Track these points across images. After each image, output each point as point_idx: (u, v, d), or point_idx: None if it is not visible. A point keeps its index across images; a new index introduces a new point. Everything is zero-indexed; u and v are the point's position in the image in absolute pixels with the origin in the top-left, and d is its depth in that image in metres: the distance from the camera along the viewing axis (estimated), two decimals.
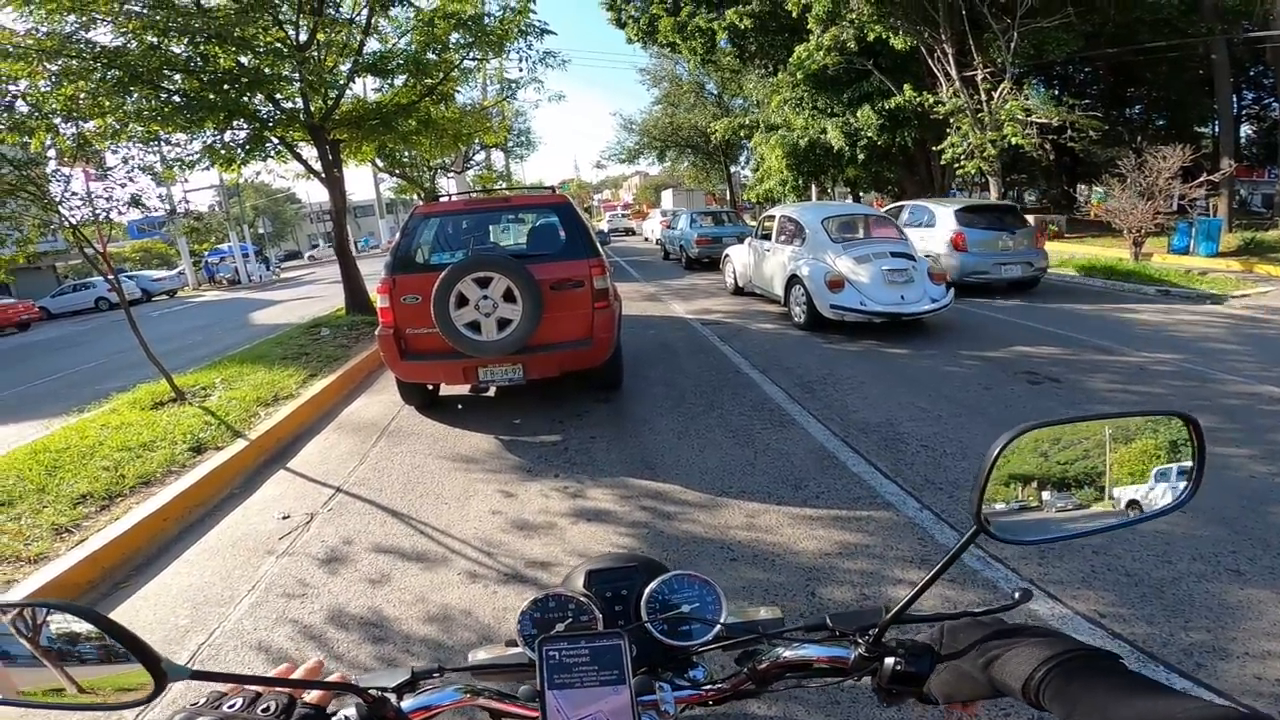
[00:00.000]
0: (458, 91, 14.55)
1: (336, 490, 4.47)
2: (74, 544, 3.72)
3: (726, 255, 12.13)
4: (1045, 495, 0.69)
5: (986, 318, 8.72)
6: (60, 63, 7.01)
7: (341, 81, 10.51)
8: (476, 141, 20.06)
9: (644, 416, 5.46)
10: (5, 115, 6.12)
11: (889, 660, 0.69)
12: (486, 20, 10.99)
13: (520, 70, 12.50)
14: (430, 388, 5.88)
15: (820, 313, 7.81)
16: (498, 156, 29.74)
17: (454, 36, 11.08)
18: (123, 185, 6.53)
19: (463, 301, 4.87)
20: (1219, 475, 3.74)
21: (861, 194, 30.70)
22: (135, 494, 4.33)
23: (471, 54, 11.59)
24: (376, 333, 5.42)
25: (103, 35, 7.88)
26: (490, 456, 4.93)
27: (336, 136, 11.12)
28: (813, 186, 26.52)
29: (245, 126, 9.85)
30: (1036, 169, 24.04)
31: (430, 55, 10.96)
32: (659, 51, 32.47)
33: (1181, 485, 0.70)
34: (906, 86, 17.13)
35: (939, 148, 16.87)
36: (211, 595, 3.31)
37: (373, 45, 11.13)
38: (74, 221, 5.92)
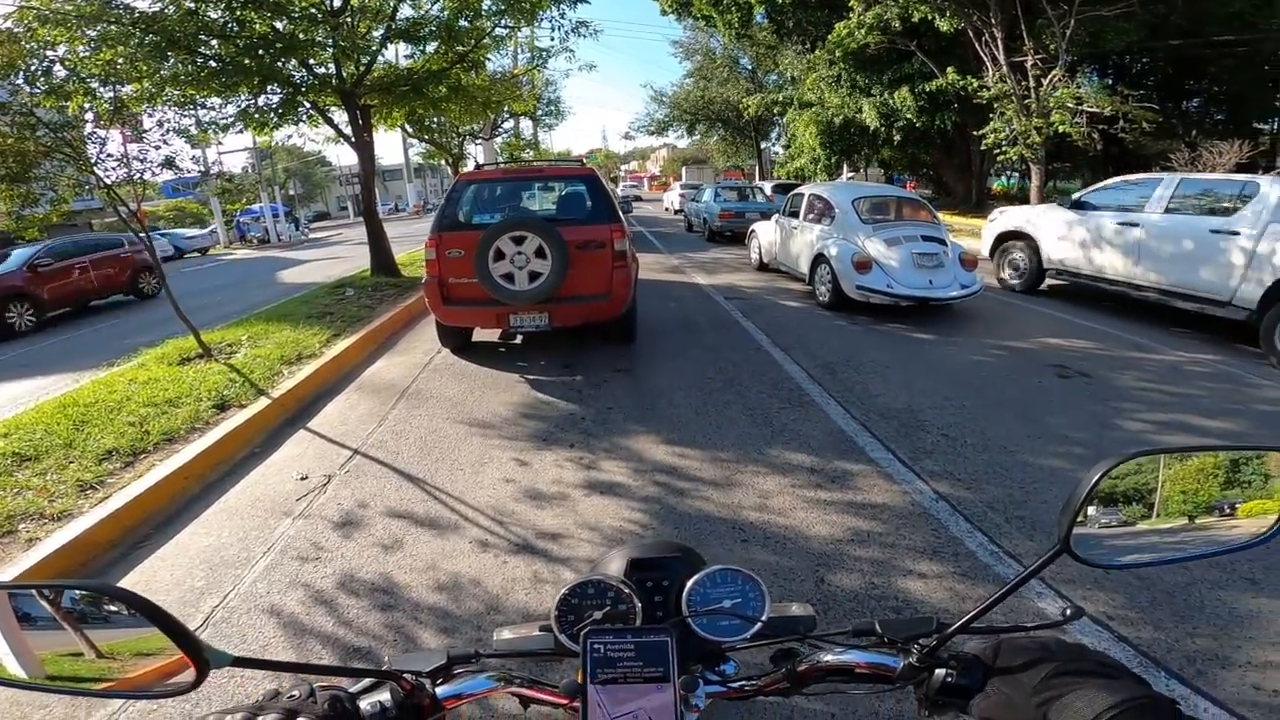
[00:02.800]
0: (488, 59, 14.36)
1: (354, 452, 4.50)
2: (97, 501, 3.72)
3: (752, 231, 12.04)
4: (1132, 519, 0.66)
5: (1017, 307, 8.42)
6: (99, 28, 7.02)
7: (374, 47, 10.39)
8: (505, 109, 19.82)
9: (662, 389, 5.46)
10: (44, 79, 6.14)
11: (939, 672, 0.66)
12: None
13: (552, 39, 12.28)
14: (464, 333, 6.60)
15: (845, 293, 7.72)
16: (526, 125, 29.59)
17: (486, 3, 10.99)
18: (157, 148, 6.61)
19: (499, 256, 5.50)
20: None
21: (895, 176, 29.98)
22: (159, 450, 4.36)
23: (504, 21, 11.41)
24: (423, 281, 6.11)
25: (140, 0, 7.91)
26: (507, 423, 4.92)
27: (367, 102, 10.98)
28: (844, 166, 26.11)
29: (279, 91, 9.82)
30: (1082, 158, 22.99)
31: (462, 22, 10.76)
32: (693, 24, 32.02)
33: (1273, 519, 0.67)
34: (950, 70, 16.35)
35: (980, 133, 16.33)
36: (228, 557, 3.33)
37: (405, 11, 11.03)
38: (109, 182, 6.02)
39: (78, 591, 0.58)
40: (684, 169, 45.29)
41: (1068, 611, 0.65)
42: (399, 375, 6.25)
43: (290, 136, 11.88)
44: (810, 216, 9.15)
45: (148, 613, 0.52)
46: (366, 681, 0.69)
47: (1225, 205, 6.59)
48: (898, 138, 20.28)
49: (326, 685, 0.63)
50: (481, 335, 7.22)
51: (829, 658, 0.74)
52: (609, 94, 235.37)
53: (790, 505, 3.57)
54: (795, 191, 10.27)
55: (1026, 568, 0.62)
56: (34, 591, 0.59)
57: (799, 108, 24.75)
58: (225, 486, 4.12)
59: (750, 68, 36.58)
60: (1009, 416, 4.71)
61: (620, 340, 6.54)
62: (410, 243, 18.31)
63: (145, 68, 7.52)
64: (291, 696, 0.60)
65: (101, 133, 6.31)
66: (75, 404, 5.22)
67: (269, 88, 9.54)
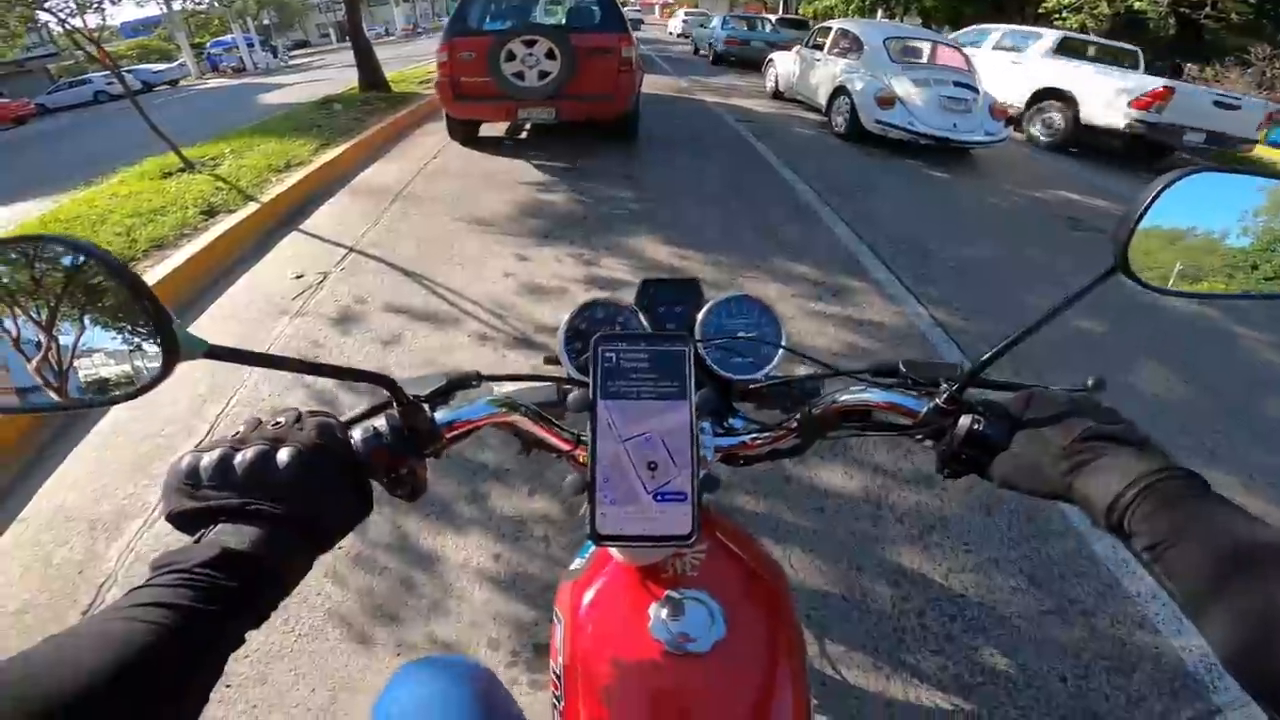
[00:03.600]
0: None
1: (350, 250, 4.40)
2: None
3: (770, 60, 11.79)
4: (1195, 249, 0.57)
5: (1044, 164, 8.13)
6: None
7: None
8: None
9: (667, 197, 5.38)
10: None
11: (964, 419, 0.57)
12: None
13: None
14: (473, 125, 7.03)
15: (864, 125, 7.65)
16: None
17: None
18: None
19: (510, 57, 5.94)
20: None
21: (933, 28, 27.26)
22: (148, 258, 4.20)
23: None
24: (435, 80, 6.57)
25: None
26: (508, 221, 4.89)
27: None
28: (879, 10, 23.20)
29: None
30: (1146, 40, 20.48)
31: None
32: None
33: None
34: None
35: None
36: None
37: None
38: (65, 22, 5.52)
39: (23, 243, 0.42)
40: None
41: (1090, 381, 0.58)
42: (394, 179, 6.08)
43: None
44: (836, 50, 8.97)
45: (113, 268, 0.39)
46: (359, 410, 0.60)
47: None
48: None
49: (314, 411, 0.54)
50: (488, 130, 7.44)
51: (845, 397, 0.66)
52: None
53: (789, 313, 3.55)
54: (822, 25, 10.02)
55: (1070, 293, 0.52)
56: None
57: None
58: (219, 289, 4.00)
59: None
60: (1016, 258, 4.65)
61: (622, 136, 6.92)
62: (399, 64, 17.31)
63: None
64: (276, 424, 0.51)
65: None
66: (56, 219, 4.98)
67: None
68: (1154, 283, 0.56)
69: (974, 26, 12.75)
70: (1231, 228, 0.56)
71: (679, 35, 28.31)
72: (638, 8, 58.94)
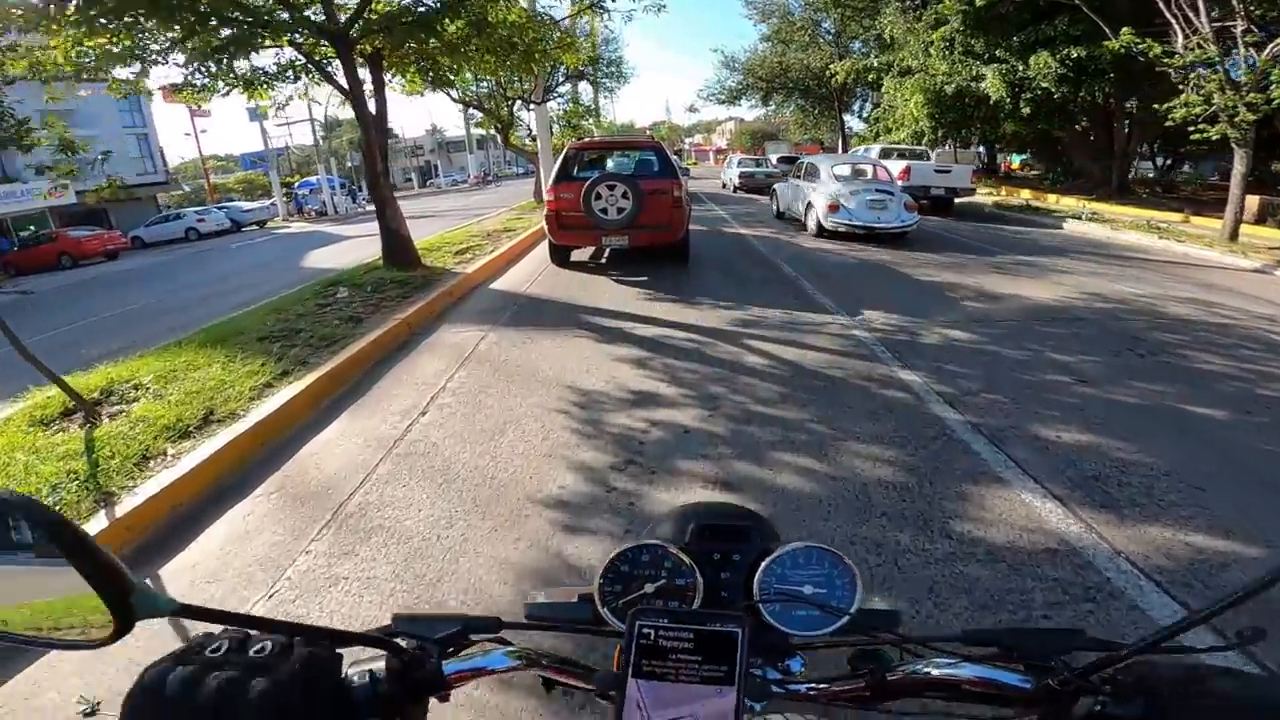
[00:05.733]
0: None
1: None
2: None
3: (773, 190, 12.42)
4: None
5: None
6: None
7: None
8: (561, 68, 14.61)
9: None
10: None
11: (1084, 700, 0.39)
12: None
13: None
14: (568, 251, 7.26)
15: (823, 224, 8.80)
16: (586, 90, 20.87)
17: None
18: None
19: (598, 197, 6.30)
20: None
21: (986, 150, 21.66)
22: None
23: None
24: (544, 214, 6.88)
25: None
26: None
27: (368, 47, 6.76)
28: (950, 143, 18.40)
29: (233, 27, 5.98)
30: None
31: None
32: None
33: None
34: (1125, 31, 10.12)
35: (1165, 106, 10.42)
36: None
37: None
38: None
39: None
40: (731, 156, 30.33)
41: (1244, 633, 0.36)
42: (344, 466, 2.86)
43: (291, 98, 8.09)
44: (806, 178, 10.01)
45: (54, 533, 0.31)
46: (360, 635, 0.42)
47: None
48: (1026, 110, 13.98)
49: (311, 638, 0.39)
50: (579, 255, 7.68)
51: (932, 670, 0.45)
52: (673, 60, 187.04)
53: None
54: (798, 160, 11.41)
55: (1257, 579, 0.34)
56: None
57: (898, 75, 17.46)
58: None
59: (833, 31, 25.71)
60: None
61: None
62: (454, 219, 14.02)
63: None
64: (262, 647, 0.37)
65: None
66: None
67: (212, 25, 5.91)
68: None
69: (861, 146, 17.48)
70: None
71: (735, 189, 20.09)
72: (679, 155, 49.97)
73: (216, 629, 0.38)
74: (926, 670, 0.46)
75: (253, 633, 0.38)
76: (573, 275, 6.72)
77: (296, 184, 30.95)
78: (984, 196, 14.67)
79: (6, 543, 0.33)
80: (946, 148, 18.30)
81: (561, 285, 6.25)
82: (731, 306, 5.15)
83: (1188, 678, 0.37)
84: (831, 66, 22.20)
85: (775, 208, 12.01)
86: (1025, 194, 15.41)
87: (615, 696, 0.41)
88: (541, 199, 10.47)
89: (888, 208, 8.59)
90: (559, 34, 10.52)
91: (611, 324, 4.82)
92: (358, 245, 12.98)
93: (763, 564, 0.53)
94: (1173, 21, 9.95)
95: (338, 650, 0.40)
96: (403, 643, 0.44)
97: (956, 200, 12.18)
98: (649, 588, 0.52)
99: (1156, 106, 11.33)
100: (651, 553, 0.54)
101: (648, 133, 38.32)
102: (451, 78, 9.46)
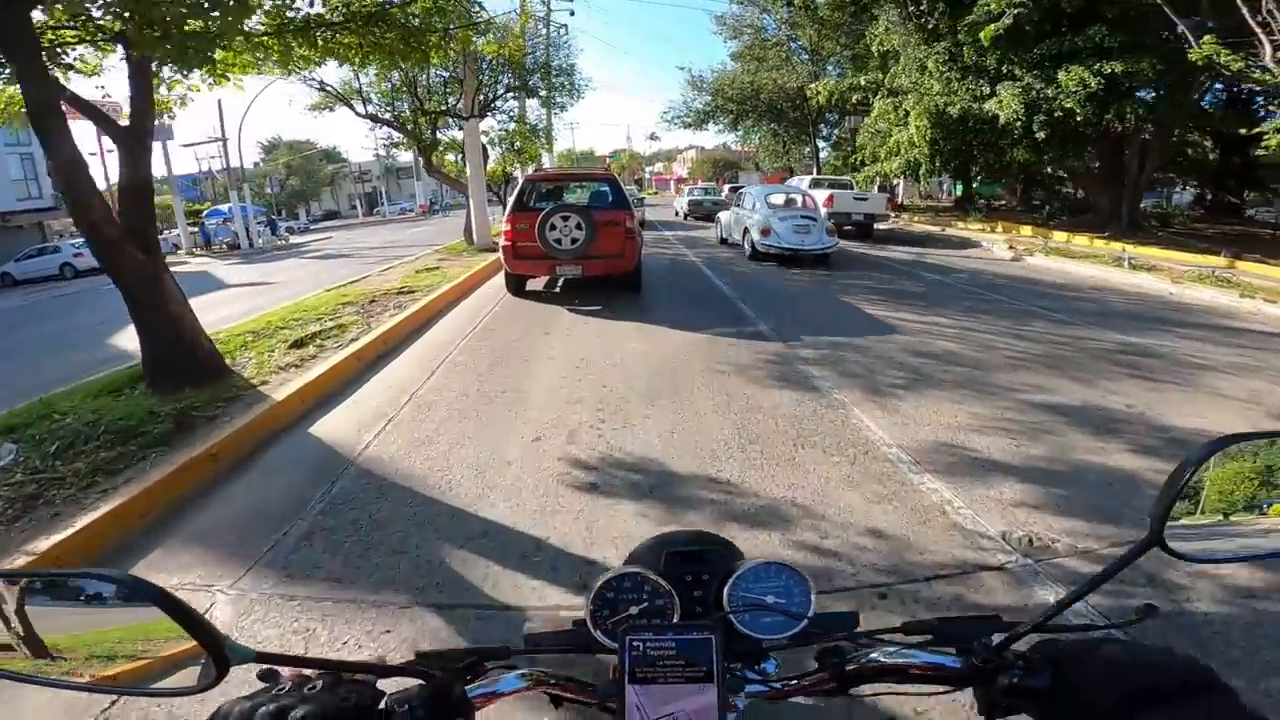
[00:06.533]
0: None
1: None
2: None
3: (717, 218, 13.43)
4: (1231, 510, 0.49)
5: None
6: None
7: None
8: (503, 80, 12.84)
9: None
10: None
11: (1004, 676, 0.50)
12: None
13: None
14: (523, 280, 7.36)
15: (757, 248, 9.76)
16: (536, 109, 17.37)
17: None
18: None
19: (552, 228, 6.47)
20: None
21: (961, 184, 19.93)
22: None
23: None
24: (500, 244, 7.02)
25: None
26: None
27: (116, 27, 3.53)
28: (942, 175, 16.71)
29: None
30: None
31: None
32: None
33: None
34: (1208, 41, 8.58)
35: (1257, 130, 9.25)
36: None
37: None
38: None
39: (92, 580, 0.44)
40: (686, 188, 30.87)
41: (1139, 610, 0.49)
42: None
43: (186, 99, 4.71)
44: (744, 206, 11.05)
45: (166, 605, 0.39)
46: (394, 667, 0.54)
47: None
48: (1041, 134, 11.61)
49: (355, 675, 0.50)
50: (534, 284, 7.63)
51: (882, 658, 0.57)
52: (635, 84, 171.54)
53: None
54: (738, 189, 12.48)
55: (1108, 563, 0.45)
56: (41, 579, 0.47)
57: (889, 95, 15.47)
58: None
59: (808, 49, 23.26)
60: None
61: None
62: (373, 260, 12.31)
63: None
64: (312, 687, 0.47)
65: None
66: None
67: None
68: (1193, 553, 0.47)
69: (795, 178, 17.95)
70: (1269, 490, 0.47)
71: (685, 216, 21.51)
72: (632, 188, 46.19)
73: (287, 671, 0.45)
74: (878, 659, 0.55)
75: (308, 672, 0.46)
76: (468, 405, 3.74)
77: (206, 213, 25.96)
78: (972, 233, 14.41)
79: (118, 610, 0.42)
80: (945, 179, 18.71)
81: (433, 428, 3.38)
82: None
83: (1084, 649, 0.45)
84: (810, 86, 20.40)
85: (719, 234, 12.77)
86: (1028, 230, 13.96)
87: (616, 703, 0.49)
88: (472, 238, 10.52)
89: (810, 232, 9.59)
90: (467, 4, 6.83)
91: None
92: (236, 299, 9.71)
93: (730, 580, 0.62)
94: (1259, 31, 8.24)
95: (378, 685, 0.47)
96: (436, 672, 0.51)
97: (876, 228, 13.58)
98: (634, 610, 0.59)
99: (1244, 130, 10.07)
100: (633, 579, 0.62)
101: (607, 161, 36.03)
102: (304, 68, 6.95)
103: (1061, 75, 10.91)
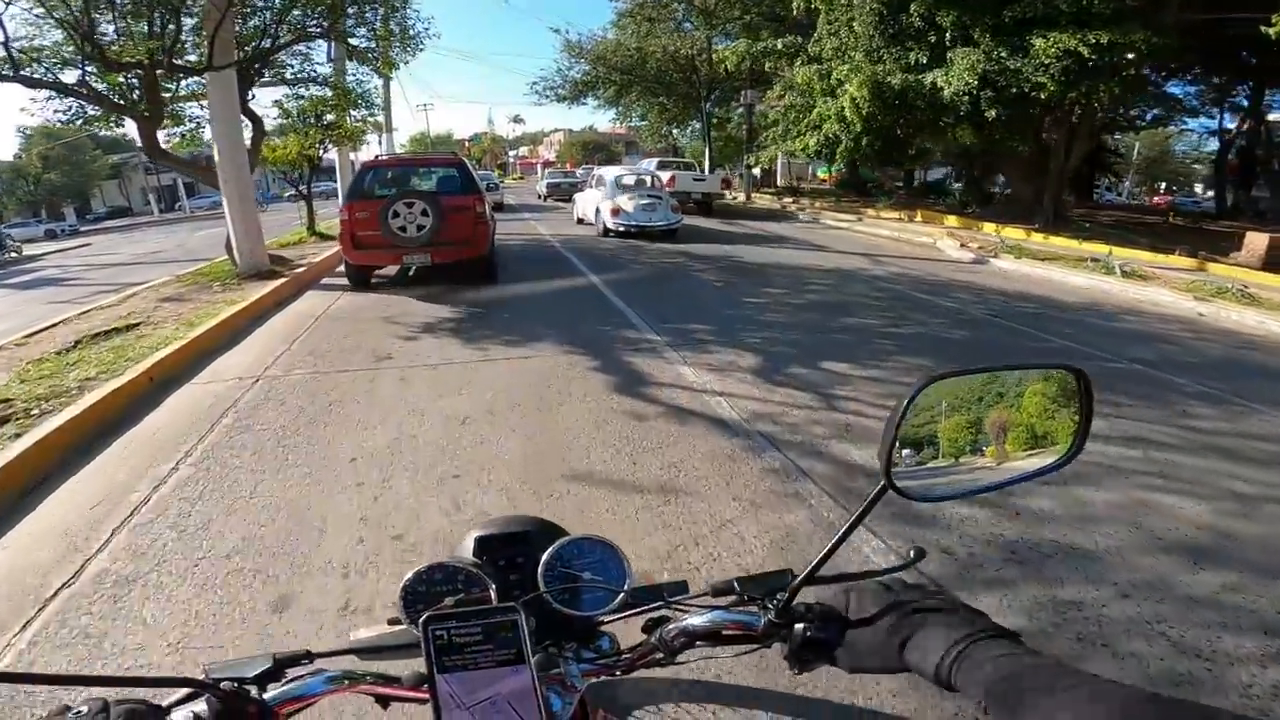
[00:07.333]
0: None
1: None
2: None
3: (573, 200, 14.16)
4: (946, 449, 0.53)
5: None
6: None
7: None
8: (285, 23, 7.47)
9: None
10: None
11: (798, 627, 0.52)
12: None
13: None
14: (367, 271, 6.92)
15: (608, 226, 10.47)
16: (371, 80, 12.20)
17: None
18: None
19: (396, 215, 6.24)
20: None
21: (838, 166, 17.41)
22: None
23: None
24: (339, 234, 6.63)
25: None
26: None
27: None
28: (834, 163, 14.90)
29: None
30: None
31: None
32: None
33: (1068, 441, 0.53)
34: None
35: None
36: None
37: None
38: None
39: None
40: (543, 173, 29.08)
41: (911, 554, 0.53)
42: None
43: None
44: (597, 187, 11.56)
45: None
46: (177, 696, 0.47)
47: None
48: (991, 112, 10.06)
49: (125, 700, 0.43)
50: (381, 273, 7.37)
51: (694, 622, 0.57)
52: (494, 68, 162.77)
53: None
54: (593, 173, 13.24)
55: (854, 512, 0.48)
56: None
57: (807, 61, 13.36)
58: None
59: (708, 9, 19.15)
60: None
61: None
62: (89, 291, 8.44)
63: None
64: (79, 714, 0.40)
65: None
66: None
67: None
68: (918, 494, 0.50)
69: (644, 160, 19.57)
70: (973, 419, 0.52)
71: (543, 197, 22.03)
72: (484, 172, 39.15)
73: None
74: (694, 623, 0.55)
75: (70, 700, 0.40)
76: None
77: None
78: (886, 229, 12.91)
79: None
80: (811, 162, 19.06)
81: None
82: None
83: (861, 597, 0.49)
84: (719, 50, 17.59)
85: (576, 214, 13.31)
86: (953, 221, 13.10)
87: (430, 692, 0.46)
88: (233, 254, 7.47)
89: (657, 210, 10.36)
90: None
91: None
92: None
93: (542, 560, 0.61)
94: None
95: (160, 704, 0.41)
96: (222, 683, 0.46)
97: (714, 204, 15.76)
98: (449, 601, 0.55)
99: None
100: (443, 570, 0.59)
101: (467, 145, 32.64)
102: None
103: (1038, 42, 9.19)
